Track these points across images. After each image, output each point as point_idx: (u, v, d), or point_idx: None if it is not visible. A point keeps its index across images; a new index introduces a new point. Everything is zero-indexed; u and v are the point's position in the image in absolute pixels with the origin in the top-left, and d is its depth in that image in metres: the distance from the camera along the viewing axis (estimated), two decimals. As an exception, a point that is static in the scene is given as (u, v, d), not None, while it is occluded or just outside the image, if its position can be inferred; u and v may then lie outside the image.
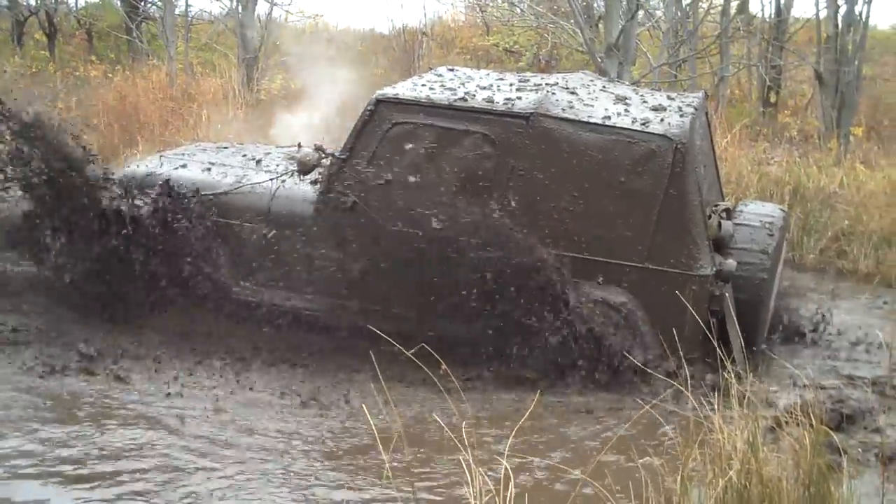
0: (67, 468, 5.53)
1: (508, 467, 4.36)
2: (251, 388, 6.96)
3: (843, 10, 16.52)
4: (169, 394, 6.76)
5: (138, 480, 5.46)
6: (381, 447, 4.85)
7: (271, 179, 8.03)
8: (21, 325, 7.60)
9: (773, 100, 19.28)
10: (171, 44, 18.14)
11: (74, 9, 24.96)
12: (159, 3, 21.70)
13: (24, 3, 23.81)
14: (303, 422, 6.46)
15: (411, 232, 7.38)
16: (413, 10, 49.14)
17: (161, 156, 8.91)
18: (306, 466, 5.82)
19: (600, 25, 15.77)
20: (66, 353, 7.20)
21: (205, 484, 5.50)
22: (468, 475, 4.27)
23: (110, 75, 17.59)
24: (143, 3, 23.14)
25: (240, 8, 18.57)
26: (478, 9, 25.38)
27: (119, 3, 22.82)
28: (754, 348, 7.46)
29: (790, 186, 12.04)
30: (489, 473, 4.40)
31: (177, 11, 20.77)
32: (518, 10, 21.58)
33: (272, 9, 20.35)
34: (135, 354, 7.37)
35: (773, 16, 19.46)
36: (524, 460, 5.71)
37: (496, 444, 5.96)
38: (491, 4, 24.79)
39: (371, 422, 4.76)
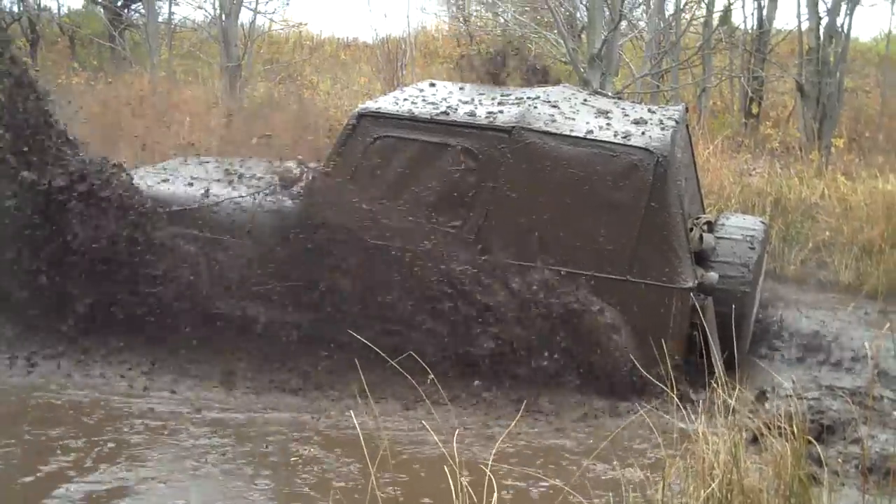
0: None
1: (492, 477, 4.38)
2: (237, 401, 6.98)
3: (824, 21, 16.62)
4: (158, 403, 6.77)
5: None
6: (367, 458, 4.86)
7: (253, 194, 8.00)
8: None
9: (755, 111, 19.36)
10: (155, 52, 18.14)
11: (57, 16, 24.91)
12: (142, 11, 21.69)
13: (6, 10, 23.75)
14: (289, 434, 6.46)
15: (392, 245, 7.39)
16: (397, 19, 49.26)
17: (143, 170, 8.89)
18: (289, 479, 5.83)
19: (583, 36, 15.84)
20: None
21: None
22: (452, 485, 4.28)
23: (93, 83, 17.53)
24: (126, 11, 23.13)
25: (223, 16, 18.56)
26: (461, 19, 25.43)
27: (102, 10, 22.78)
28: (736, 361, 7.49)
29: (772, 197, 12.12)
30: (472, 483, 4.41)
31: (160, 19, 20.77)
32: (501, 20, 21.63)
33: (255, 17, 20.37)
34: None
35: (755, 27, 19.56)
36: (508, 470, 5.73)
37: (481, 454, 5.98)
38: (474, 14, 24.85)
39: (359, 432, 4.77)
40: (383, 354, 5.56)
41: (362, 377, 5.61)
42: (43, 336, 7.52)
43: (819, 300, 10.35)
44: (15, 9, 23.71)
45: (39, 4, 24.20)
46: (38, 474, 5.65)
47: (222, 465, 5.91)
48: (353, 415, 5.30)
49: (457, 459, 4.33)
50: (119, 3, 22.86)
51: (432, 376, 5.48)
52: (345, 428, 6.40)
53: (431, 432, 5.03)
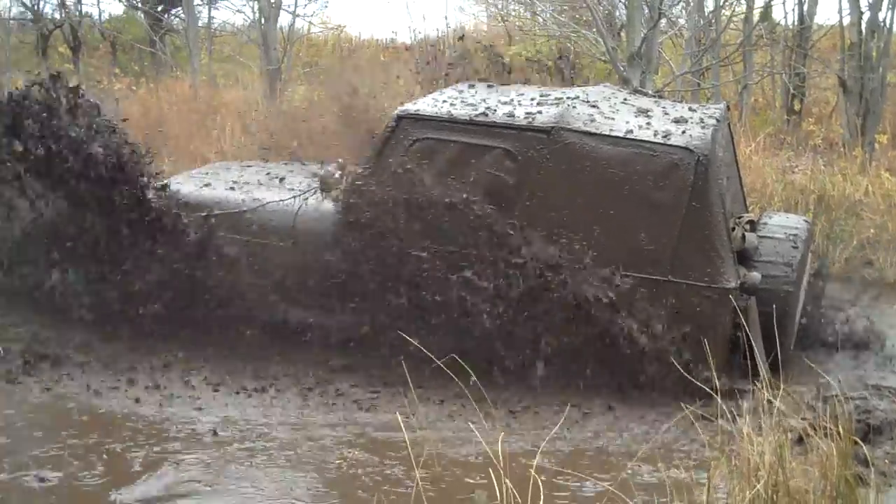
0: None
1: (538, 478, 4.37)
2: (280, 404, 7.02)
3: (866, 16, 16.46)
4: (200, 408, 6.83)
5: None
6: (413, 461, 4.87)
7: (294, 197, 8.05)
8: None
9: (797, 108, 19.19)
10: (195, 56, 18.25)
11: (99, 22, 25.12)
12: (182, 16, 21.83)
13: (49, 17, 23.98)
14: (333, 435, 6.49)
15: (432, 247, 7.41)
16: (435, 20, 49.25)
17: (186, 174, 8.98)
18: (335, 479, 5.85)
19: (622, 34, 15.77)
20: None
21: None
22: (497, 488, 4.28)
23: (134, 88, 17.69)
24: (166, 16, 23.28)
25: (262, 20, 18.66)
26: (500, 19, 25.42)
27: (143, 16, 22.95)
28: (780, 361, 7.43)
29: (815, 195, 12.01)
30: (518, 486, 4.41)
31: (200, 24, 20.92)
32: (540, 20, 21.59)
33: (295, 20, 20.46)
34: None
35: (796, 23, 19.38)
36: (553, 472, 5.72)
37: (526, 457, 5.97)
38: (513, 14, 24.83)
39: (405, 435, 4.77)
40: (430, 355, 5.57)
41: (408, 379, 5.63)
42: (99, 342, 7.68)
43: (864, 298, 10.26)
44: (57, 15, 23.96)
45: (81, 11, 24.44)
46: (89, 480, 5.71)
47: (266, 469, 5.94)
48: (398, 416, 5.31)
49: (500, 461, 4.33)
50: (159, 9, 23.01)
51: (474, 378, 5.49)
52: (390, 430, 6.41)
53: (477, 433, 5.03)
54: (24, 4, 23.55)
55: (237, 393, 7.14)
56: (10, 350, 7.46)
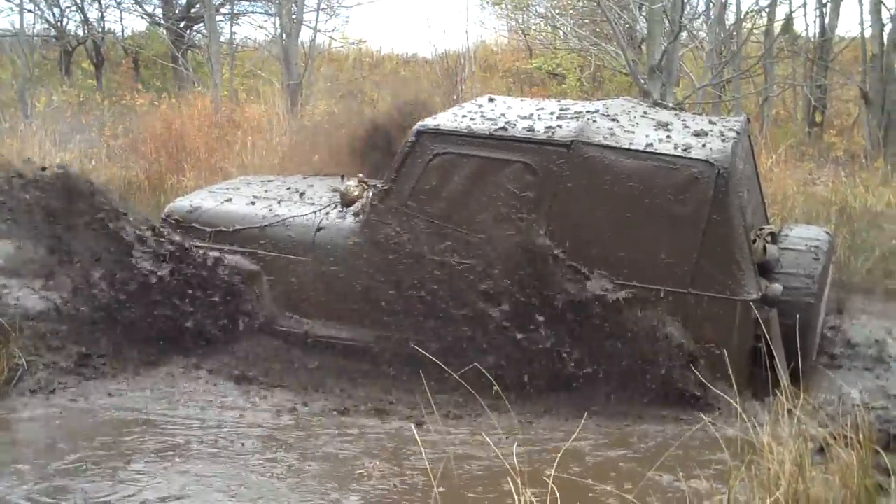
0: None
1: (556, 490, 4.39)
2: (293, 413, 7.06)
3: (888, 28, 16.46)
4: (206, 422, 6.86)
5: None
6: (430, 471, 4.88)
7: (315, 212, 8.11)
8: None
9: (818, 119, 19.17)
10: (216, 71, 18.32)
11: (121, 38, 25.29)
12: (204, 32, 21.97)
13: (73, 33, 24.16)
14: (351, 447, 6.51)
15: (455, 262, 7.47)
16: (456, 34, 49.28)
17: (206, 189, 9.07)
18: (354, 492, 5.88)
19: (643, 47, 15.78)
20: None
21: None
22: (516, 497, 4.30)
23: (156, 103, 17.80)
24: (188, 32, 23.42)
25: (284, 35, 18.75)
26: (520, 32, 25.47)
27: (165, 32, 23.10)
28: (801, 372, 7.42)
29: (836, 206, 11.99)
30: (537, 497, 4.42)
31: (222, 39, 21.02)
32: (561, 34, 21.64)
33: (316, 35, 20.56)
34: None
35: (817, 35, 19.36)
36: (572, 482, 5.72)
37: (544, 466, 5.98)
38: (533, 28, 24.87)
39: (421, 446, 4.80)
40: (447, 369, 5.59)
41: (427, 390, 5.65)
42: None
43: (887, 309, 10.23)
44: (80, 32, 24.14)
45: (104, 28, 24.62)
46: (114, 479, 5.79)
47: (288, 479, 5.97)
48: (413, 428, 5.33)
49: (517, 471, 4.35)
50: (181, 25, 23.15)
51: (496, 388, 5.50)
52: (409, 441, 6.43)
53: (493, 446, 5.05)
54: (47, 21, 23.76)
55: (256, 403, 7.23)
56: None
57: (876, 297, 10.66)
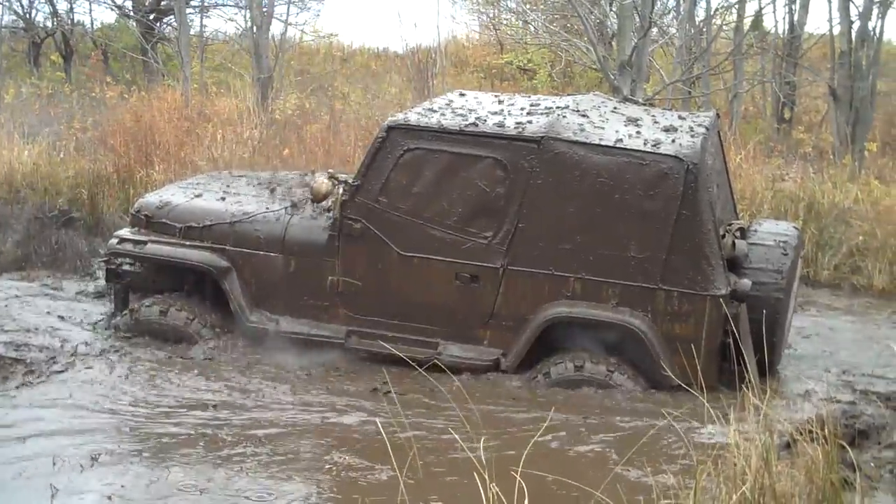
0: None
1: (523, 482, 4.39)
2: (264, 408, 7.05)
3: (856, 25, 16.53)
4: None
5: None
6: (395, 464, 4.88)
7: (285, 208, 8.09)
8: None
9: (787, 116, 19.28)
10: (186, 64, 18.22)
11: (90, 30, 25.14)
12: (174, 24, 21.85)
13: (41, 25, 23.99)
14: (317, 440, 6.51)
15: (424, 257, 7.52)
16: (427, 29, 49.24)
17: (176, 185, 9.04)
18: (319, 482, 5.87)
19: (613, 43, 15.82)
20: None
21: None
22: (482, 491, 4.30)
23: (126, 96, 17.68)
24: (158, 24, 23.30)
25: (254, 28, 18.67)
26: (491, 27, 25.47)
27: (134, 24, 22.97)
28: (768, 367, 7.45)
29: (805, 202, 12.05)
30: (503, 489, 4.42)
31: (192, 32, 20.91)
32: (531, 29, 21.65)
33: (287, 29, 20.48)
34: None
35: (786, 32, 19.48)
36: (538, 475, 5.72)
37: (511, 460, 5.98)
38: (504, 23, 24.88)
39: (386, 440, 4.79)
40: (412, 363, 5.58)
41: (390, 385, 5.64)
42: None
43: (853, 305, 10.30)
44: (49, 24, 23.97)
45: (73, 19, 24.47)
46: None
47: (256, 473, 5.95)
48: (378, 422, 5.32)
49: (485, 465, 4.35)
50: (151, 17, 23.02)
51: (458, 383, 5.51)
52: (376, 434, 6.42)
53: (458, 438, 5.05)
54: (15, 12, 23.60)
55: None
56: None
57: (843, 292, 10.75)
